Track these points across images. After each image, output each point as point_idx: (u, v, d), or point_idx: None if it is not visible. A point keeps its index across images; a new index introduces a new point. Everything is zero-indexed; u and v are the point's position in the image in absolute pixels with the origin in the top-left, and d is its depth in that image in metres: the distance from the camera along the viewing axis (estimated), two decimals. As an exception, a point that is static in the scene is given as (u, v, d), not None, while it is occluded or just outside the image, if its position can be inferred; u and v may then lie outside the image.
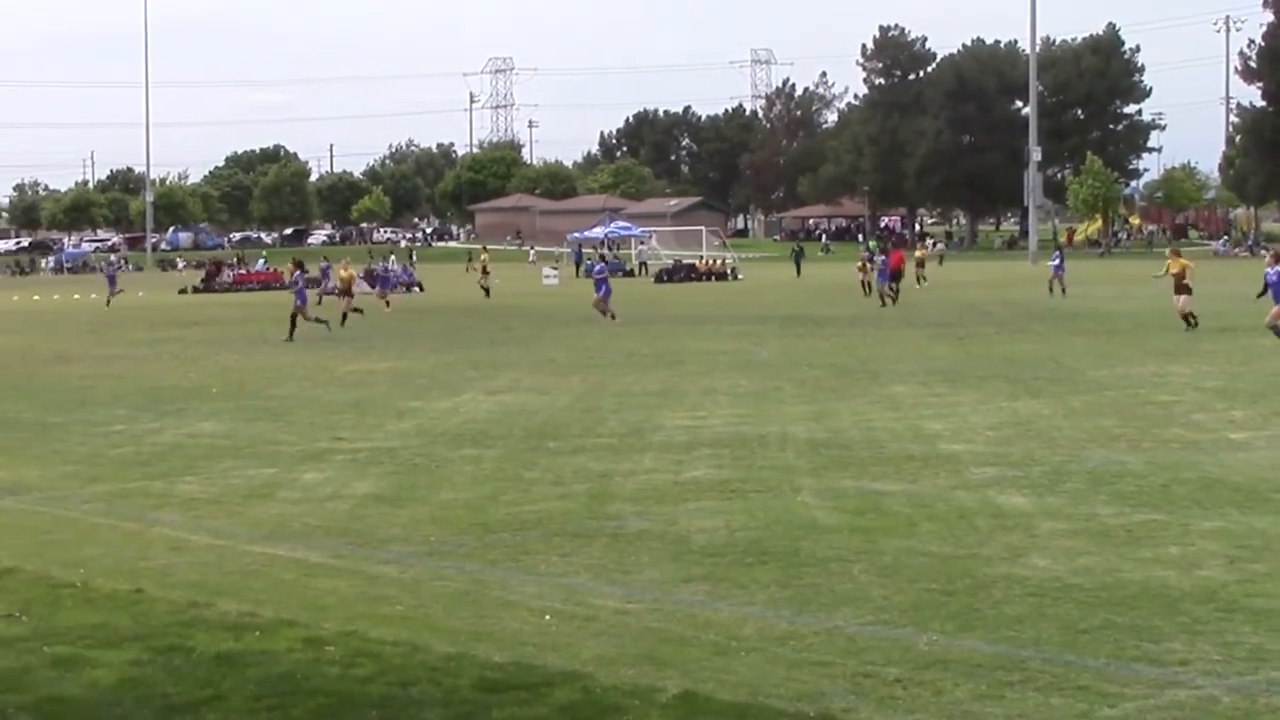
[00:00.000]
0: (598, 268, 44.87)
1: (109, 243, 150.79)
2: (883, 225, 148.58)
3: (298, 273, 40.19)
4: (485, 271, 63.71)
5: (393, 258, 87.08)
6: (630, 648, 9.04)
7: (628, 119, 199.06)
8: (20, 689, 8.25)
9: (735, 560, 11.36)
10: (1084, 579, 10.55)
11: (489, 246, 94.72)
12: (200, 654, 8.89)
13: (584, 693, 8.11)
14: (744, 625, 9.54)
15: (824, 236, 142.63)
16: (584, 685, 8.23)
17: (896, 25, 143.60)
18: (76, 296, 72.23)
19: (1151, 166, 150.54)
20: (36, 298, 71.62)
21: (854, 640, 9.14)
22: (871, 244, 75.80)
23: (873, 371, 26.15)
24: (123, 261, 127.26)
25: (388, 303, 51.50)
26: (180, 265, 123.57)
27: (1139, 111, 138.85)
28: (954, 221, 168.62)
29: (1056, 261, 53.57)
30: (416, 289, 70.28)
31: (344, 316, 41.92)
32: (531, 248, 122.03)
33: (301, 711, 7.89)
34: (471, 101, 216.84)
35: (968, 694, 8.05)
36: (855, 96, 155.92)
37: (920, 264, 65.64)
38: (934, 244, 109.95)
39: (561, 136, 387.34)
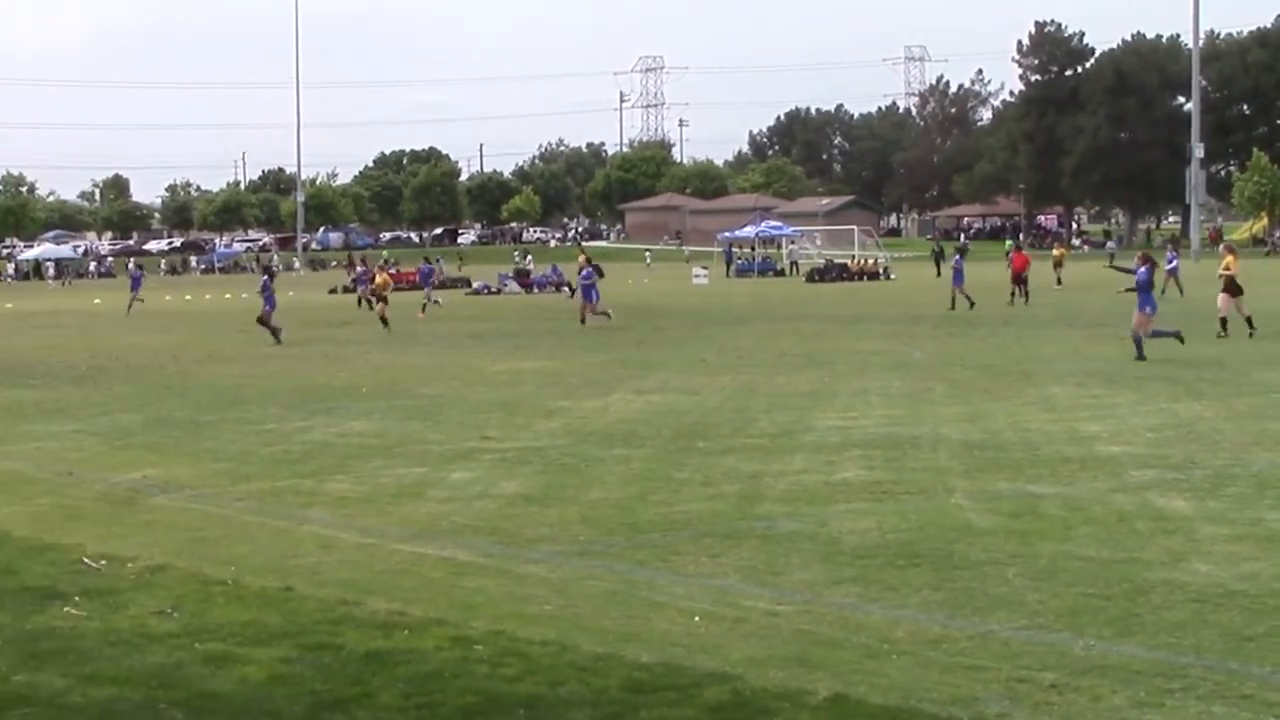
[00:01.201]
0: (584, 273, 42.90)
1: (260, 242, 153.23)
2: (1037, 224, 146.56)
3: (265, 278, 39.86)
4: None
5: (529, 258, 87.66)
6: (780, 650, 8.92)
7: (779, 117, 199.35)
8: (172, 685, 8.33)
9: (887, 562, 11.19)
10: (1249, 585, 10.21)
11: (646, 247, 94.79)
12: (349, 652, 8.92)
13: (733, 694, 8.02)
14: (896, 628, 9.38)
15: (962, 236, 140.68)
16: (733, 687, 8.14)
17: (1053, 21, 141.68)
18: (228, 296, 73.59)
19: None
20: (188, 297, 72.97)
21: (1008, 645, 8.94)
22: (1009, 242, 74.24)
23: (1028, 372, 25.70)
24: (278, 264, 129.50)
25: (424, 306, 50.72)
26: (297, 265, 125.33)
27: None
28: (1112, 220, 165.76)
29: (1172, 262, 51.87)
30: (566, 289, 70.63)
31: (384, 320, 41.79)
32: (648, 250, 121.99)
33: (450, 710, 7.87)
34: (622, 100, 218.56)
35: (1126, 701, 7.83)
36: (1011, 93, 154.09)
37: (1058, 264, 64.28)
38: (1083, 243, 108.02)
39: (712, 135, 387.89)
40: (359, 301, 57.63)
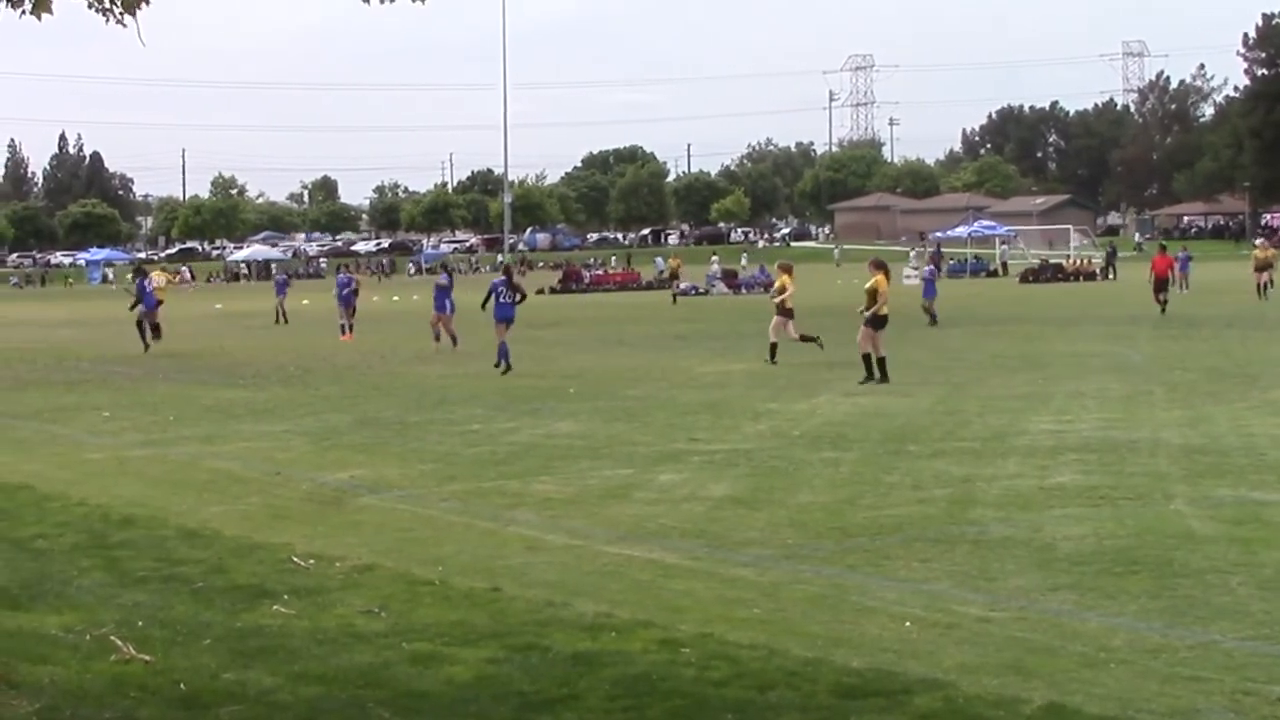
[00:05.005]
0: (441, 278, 37.39)
1: (467, 244, 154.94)
2: (1263, 223, 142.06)
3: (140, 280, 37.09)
4: (675, 277, 63.93)
5: (723, 260, 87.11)
6: (994, 657, 8.73)
7: (991, 115, 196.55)
8: (379, 684, 8.38)
9: (1104, 569, 10.88)
10: None
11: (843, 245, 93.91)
12: (556, 653, 8.92)
13: (945, 701, 7.87)
14: (1113, 636, 9.12)
15: (1138, 235, 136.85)
16: (945, 694, 7.99)
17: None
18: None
19: None
20: (396, 299, 73.79)
21: (1232, 655, 8.63)
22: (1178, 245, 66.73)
23: (1252, 375, 24.87)
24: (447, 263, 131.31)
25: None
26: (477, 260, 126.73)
27: None
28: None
29: None
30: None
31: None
32: (837, 248, 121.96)
33: (657, 712, 7.82)
34: (831, 99, 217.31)
35: (1363, 719, 7.48)
36: (1235, 88, 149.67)
37: (1262, 266, 52.72)
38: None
39: (923, 134, 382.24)
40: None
